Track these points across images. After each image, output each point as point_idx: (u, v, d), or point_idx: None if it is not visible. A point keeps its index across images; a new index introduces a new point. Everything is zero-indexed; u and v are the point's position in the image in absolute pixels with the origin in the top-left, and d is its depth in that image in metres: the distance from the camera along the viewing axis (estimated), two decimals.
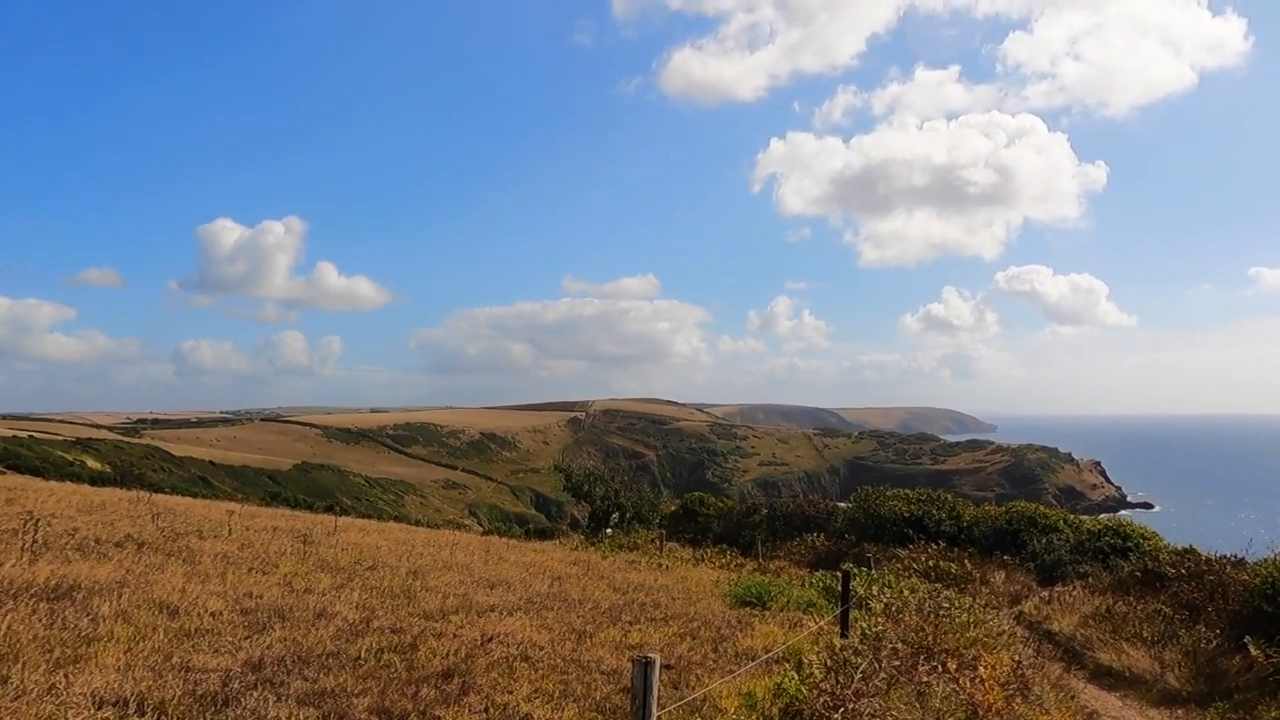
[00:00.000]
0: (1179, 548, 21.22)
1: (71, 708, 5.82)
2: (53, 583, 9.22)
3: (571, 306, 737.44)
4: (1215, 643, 13.29)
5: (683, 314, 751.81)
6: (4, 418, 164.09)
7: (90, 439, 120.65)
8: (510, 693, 7.54)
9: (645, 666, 5.32)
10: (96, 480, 44.61)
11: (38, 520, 12.22)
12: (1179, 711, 11.87)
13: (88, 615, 8.20)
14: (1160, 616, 15.05)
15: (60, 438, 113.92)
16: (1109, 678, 13.59)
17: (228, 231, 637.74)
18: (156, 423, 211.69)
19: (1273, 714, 10.40)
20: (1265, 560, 15.19)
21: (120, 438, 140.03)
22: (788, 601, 14.06)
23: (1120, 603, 16.75)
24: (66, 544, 12.03)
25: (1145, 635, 14.33)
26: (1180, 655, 13.24)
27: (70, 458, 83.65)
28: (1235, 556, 17.80)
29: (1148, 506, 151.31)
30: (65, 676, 6.41)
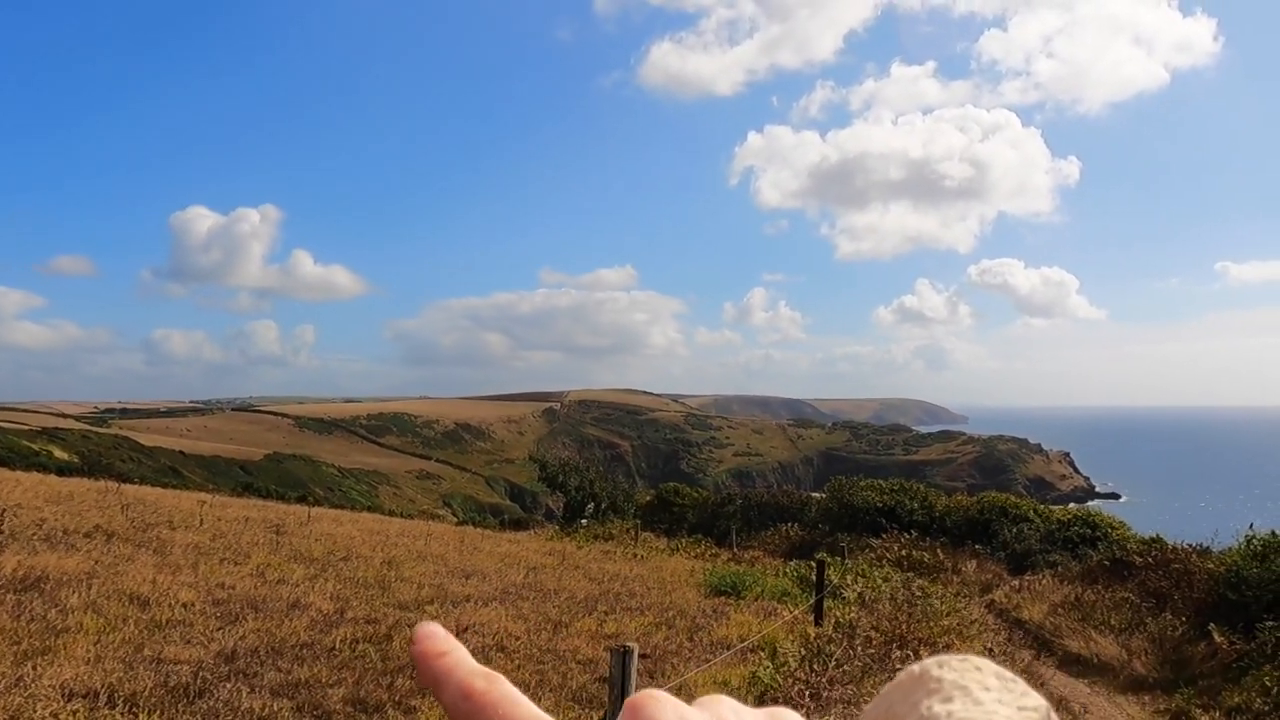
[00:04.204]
0: (1146, 537, 21.52)
1: (40, 700, 5.74)
2: (20, 574, 9.09)
3: (548, 297, 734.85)
4: (1181, 630, 13.54)
5: (659, 305, 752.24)
6: None
7: (57, 429, 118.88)
8: None
9: (624, 655, 5.33)
10: (63, 470, 43.88)
11: (3, 511, 12.03)
12: (1145, 697, 12.09)
13: (56, 607, 8.10)
14: (1127, 604, 15.29)
15: (26, 427, 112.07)
16: (1077, 665, 13.81)
17: (201, 219, 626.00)
18: (125, 412, 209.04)
19: (1236, 699, 10.62)
20: (1230, 549, 15.50)
21: (88, 427, 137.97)
22: (762, 591, 14.15)
23: (1089, 591, 17.00)
24: (33, 535, 11.85)
25: (1113, 623, 14.57)
26: (1147, 642, 13.47)
27: (36, 447, 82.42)
28: (1201, 545, 18.13)
29: (1115, 497, 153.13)
30: (34, 668, 6.33)
